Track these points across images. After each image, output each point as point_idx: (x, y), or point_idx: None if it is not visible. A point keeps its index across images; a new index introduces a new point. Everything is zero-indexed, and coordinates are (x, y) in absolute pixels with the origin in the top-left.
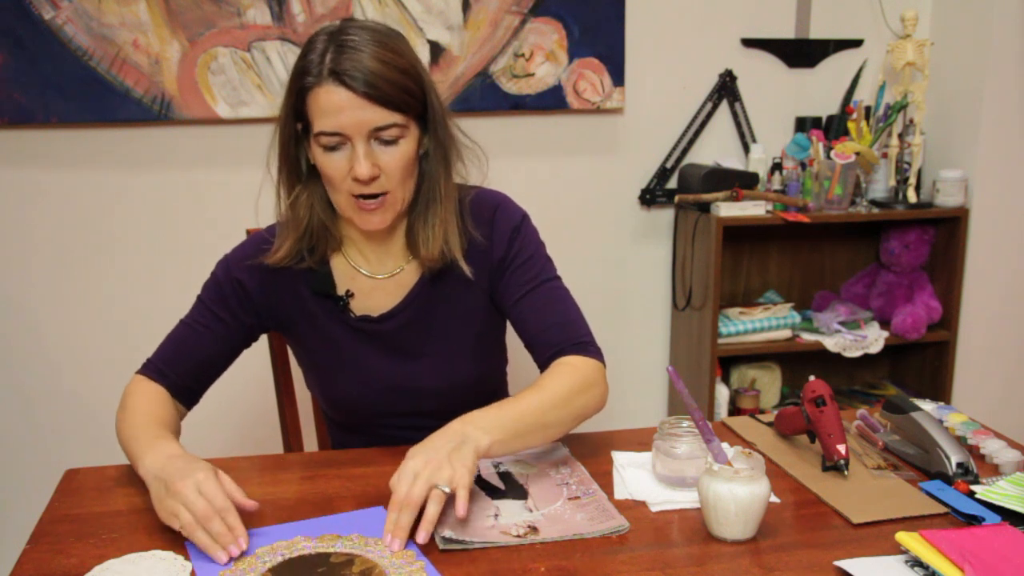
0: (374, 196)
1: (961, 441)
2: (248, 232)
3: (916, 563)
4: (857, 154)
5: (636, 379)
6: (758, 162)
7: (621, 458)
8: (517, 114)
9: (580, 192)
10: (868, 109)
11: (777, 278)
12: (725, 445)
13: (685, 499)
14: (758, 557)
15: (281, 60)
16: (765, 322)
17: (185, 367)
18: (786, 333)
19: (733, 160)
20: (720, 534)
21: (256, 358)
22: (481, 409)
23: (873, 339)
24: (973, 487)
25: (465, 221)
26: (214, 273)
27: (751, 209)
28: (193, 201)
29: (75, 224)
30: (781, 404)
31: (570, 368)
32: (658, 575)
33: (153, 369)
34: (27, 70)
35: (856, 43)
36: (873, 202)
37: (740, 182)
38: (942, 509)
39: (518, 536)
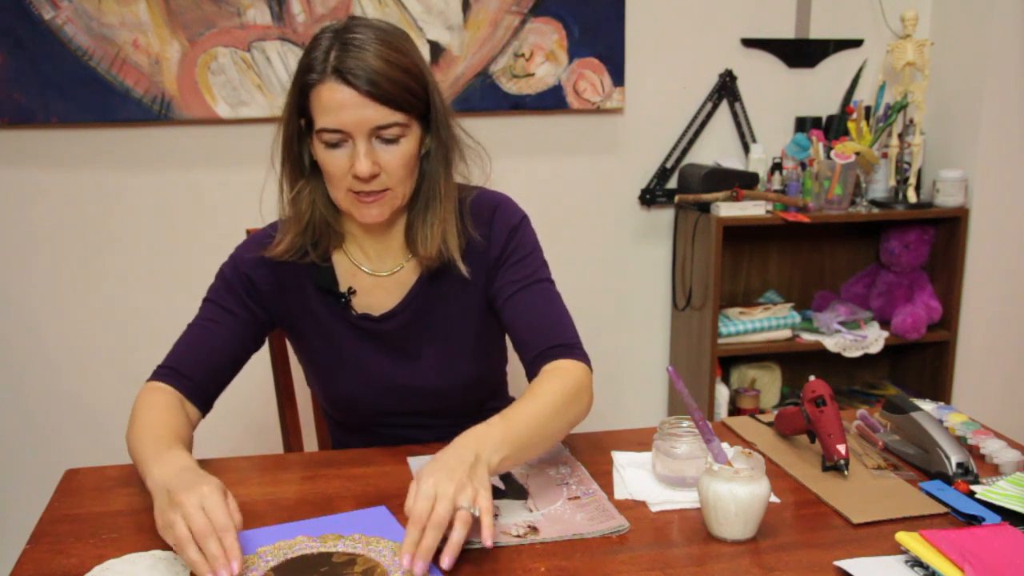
0: (373, 192)
1: (961, 441)
2: (248, 232)
3: (916, 563)
4: (857, 154)
5: (636, 379)
6: (758, 162)
7: (621, 458)
8: (517, 114)
9: (580, 192)
10: (868, 109)
11: (777, 278)
12: (725, 445)
13: (685, 499)
14: (758, 557)
15: (281, 60)
16: (765, 322)
17: (201, 367)
18: (786, 333)
19: (733, 160)
20: (720, 534)
21: (256, 358)
22: (485, 424)
23: (873, 339)
24: (973, 487)
25: (465, 221)
26: (221, 273)
27: (751, 209)
28: (193, 201)
29: (75, 224)
30: (781, 404)
31: (561, 373)
32: (658, 575)
33: (166, 373)
34: (27, 70)
35: (856, 43)
36: (873, 202)
37: (740, 182)
38: (942, 509)
39: (518, 536)
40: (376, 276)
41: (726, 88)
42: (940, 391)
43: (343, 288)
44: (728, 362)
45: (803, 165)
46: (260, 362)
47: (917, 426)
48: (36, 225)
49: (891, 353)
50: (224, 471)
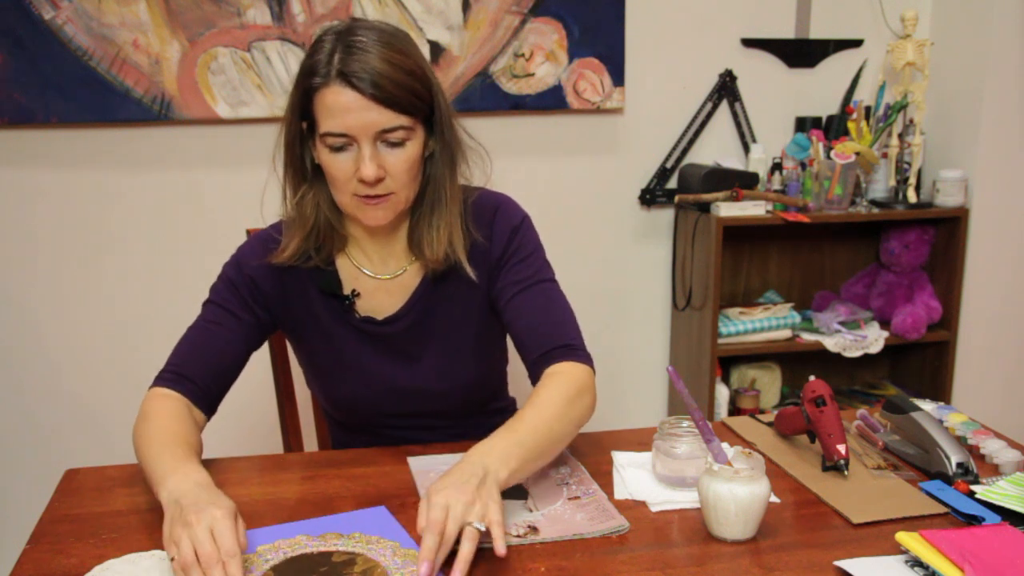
0: (378, 195)
1: (961, 441)
2: (248, 232)
3: (916, 563)
4: (857, 154)
5: (636, 379)
6: (758, 162)
7: (621, 458)
8: (517, 114)
9: (580, 192)
10: (868, 109)
11: (777, 278)
12: (725, 445)
13: (685, 499)
14: (758, 557)
15: (281, 60)
16: (765, 322)
17: (206, 370)
18: (786, 333)
19: (733, 160)
20: (720, 534)
21: (256, 358)
22: (493, 437)
23: (873, 339)
24: (973, 487)
25: (467, 222)
26: (223, 274)
27: (751, 209)
28: (193, 201)
29: (75, 224)
30: (781, 404)
31: (563, 377)
32: (658, 575)
33: (170, 378)
34: (27, 70)
35: (856, 43)
36: (873, 202)
37: (740, 182)
38: (942, 509)
39: (518, 536)
40: (379, 279)
41: (726, 88)
42: (940, 391)
43: (346, 291)
44: (728, 362)
45: (803, 165)
46: (260, 362)
47: (917, 426)
48: (36, 225)
49: (891, 353)
50: (224, 471)
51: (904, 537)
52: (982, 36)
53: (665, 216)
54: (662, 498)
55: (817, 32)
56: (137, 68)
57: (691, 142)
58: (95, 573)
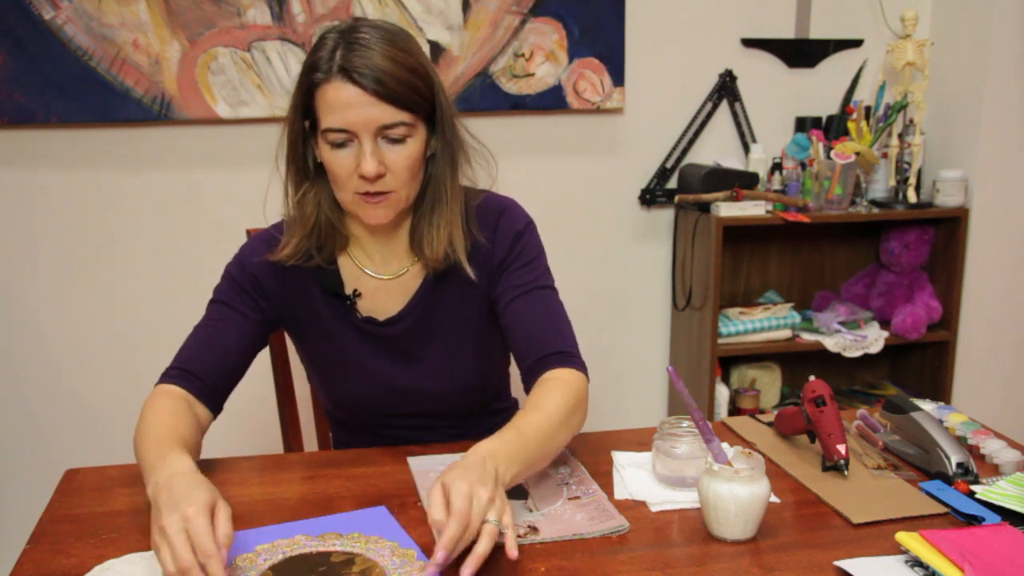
0: (379, 193)
1: (961, 441)
2: (249, 232)
3: (916, 563)
4: (857, 154)
5: (636, 379)
6: (758, 162)
7: (621, 458)
8: (517, 114)
9: (580, 192)
10: (868, 109)
11: (777, 278)
12: (725, 445)
13: (685, 499)
14: (758, 557)
15: (281, 60)
16: (765, 322)
17: (212, 367)
18: (786, 333)
19: (733, 160)
20: (720, 534)
21: (256, 357)
22: (498, 438)
23: (873, 339)
24: (973, 487)
25: (470, 224)
26: (227, 273)
27: (751, 209)
28: (193, 201)
29: (75, 224)
30: (781, 404)
31: (563, 384)
32: (658, 575)
33: (177, 375)
34: (27, 70)
35: (856, 43)
36: (873, 202)
37: (740, 182)
38: (942, 509)
39: (518, 536)
40: (380, 279)
41: (726, 88)
42: (940, 391)
43: (348, 291)
44: (728, 362)
45: (803, 165)
46: (260, 362)
47: (917, 426)
48: (36, 225)
49: (891, 353)
50: (224, 471)
51: (904, 537)
52: (982, 36)
53: (665, 216)
54: (662, 498)
55: (817, 32)
56: (137, 68)
57: (691, 142)
58: (95, 573)
